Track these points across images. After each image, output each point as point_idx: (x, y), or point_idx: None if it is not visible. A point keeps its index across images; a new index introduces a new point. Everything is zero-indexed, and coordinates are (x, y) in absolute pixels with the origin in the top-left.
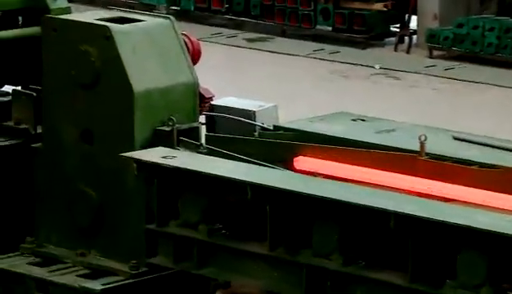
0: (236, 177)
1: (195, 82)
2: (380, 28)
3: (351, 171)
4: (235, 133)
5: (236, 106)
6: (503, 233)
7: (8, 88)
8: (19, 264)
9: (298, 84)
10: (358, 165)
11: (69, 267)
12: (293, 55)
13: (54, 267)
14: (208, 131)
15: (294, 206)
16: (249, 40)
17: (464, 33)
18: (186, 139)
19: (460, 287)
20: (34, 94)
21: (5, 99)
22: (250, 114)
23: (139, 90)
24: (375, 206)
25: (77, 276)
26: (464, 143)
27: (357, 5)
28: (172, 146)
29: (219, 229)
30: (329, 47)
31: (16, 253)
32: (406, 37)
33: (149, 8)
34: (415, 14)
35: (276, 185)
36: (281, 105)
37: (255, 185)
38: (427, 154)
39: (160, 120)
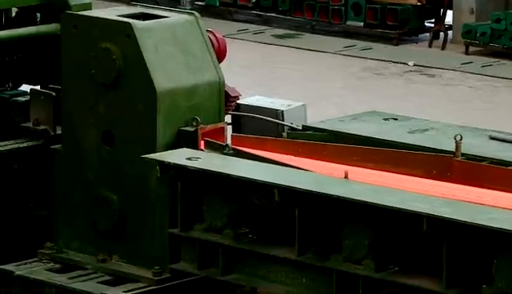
0: (264, 179)
1: (220, 81)
2: (414, 24)
3: (381, 177)
4: (263, 134)
5: (263, 105)
6: None
7: (26, 88)
8: (37, 270)
9: (328, 82)
10: (391, 166)
11: (90, 273)
12: (323, 51)
13: (74, 273)
14: (234, 131)
15: (323, 209)
16: (277, 36)
17: (503, 28)
18: (211, 139)
19: (497, 293)
20: (54, 94)
21: (23, 99)
22: (278, 114)
23: (162, 89)
24: (408, 208)
25: (98, 283)
26: (502, 143)
27: None
28: (196, 147)
29: (246, 233)
30: (360, 44)
31: (34, 259)
32: (442, 33)
33: (173, 3)
34: (451, 8)
35: (305, 188)
36: (311, 104)
37: (283, 188)
38: (463, 155)
39: (184, 120)
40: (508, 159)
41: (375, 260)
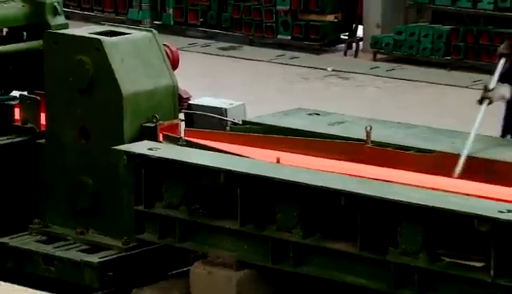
0: (211, 165)
1: (174, 85)
2: (332, 37)
3: (309, 160)
4: (210, 128)
5: (210, 104)
6: (436, 208)
7: (16, 93)
8: (28, 241)
9: (263, 86)
10: (314, 153)
11: (71, 244)
12: (259, 60)
13: (58, 244)
14: (186, 126)
15: (260, 188)
16: (221, 49)
17: (403, 39)
18: (168, 133)
19: (402, 253)
20: (38, 98)
21: (13, 102)
22: (222, 111)
23: (127, 93)
24: (328, 186)
25: (78, 251)
26: (405, 132)
27: (312, 17)
28: (156, 140)
29: (197, 209)
30: (289, 53)
31: (25, 233)
32: (354, 44)
33: (135, 23)
34: (361, 24)
35: (245, 171)
36: (249, 104)
37: (227, 171)
38: (373, 142)
39: (146, 118)
40: (410, 145)
41: (303, 228)
